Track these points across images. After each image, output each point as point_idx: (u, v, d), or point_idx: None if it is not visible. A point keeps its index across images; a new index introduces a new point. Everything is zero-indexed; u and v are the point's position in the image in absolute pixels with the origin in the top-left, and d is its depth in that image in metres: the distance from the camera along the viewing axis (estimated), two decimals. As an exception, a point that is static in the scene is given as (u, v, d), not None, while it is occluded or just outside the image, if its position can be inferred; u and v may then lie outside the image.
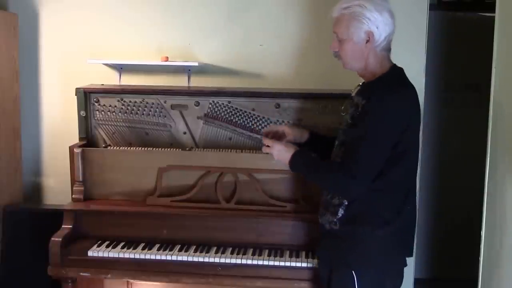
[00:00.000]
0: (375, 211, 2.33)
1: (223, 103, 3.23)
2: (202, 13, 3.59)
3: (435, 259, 4.53)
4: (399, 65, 2.93)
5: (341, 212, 2.36)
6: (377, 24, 2.28)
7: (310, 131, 2.76)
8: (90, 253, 2.90)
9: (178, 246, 2.93)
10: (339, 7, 2.31)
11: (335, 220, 2.38)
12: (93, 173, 3.13)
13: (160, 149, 3.18)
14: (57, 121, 3.74)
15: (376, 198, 2.32)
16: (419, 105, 2.40)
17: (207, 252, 2.89)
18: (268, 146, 2.54)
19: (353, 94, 2.47)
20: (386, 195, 2.33)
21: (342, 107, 2.53)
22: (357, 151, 2.26)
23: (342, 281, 2.39)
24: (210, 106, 3.24)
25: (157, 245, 2.94)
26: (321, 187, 2.53)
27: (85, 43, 3.66)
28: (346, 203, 2.35)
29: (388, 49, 2.38)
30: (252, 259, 2.82)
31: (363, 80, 2.47)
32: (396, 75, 2.37)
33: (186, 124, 3.27)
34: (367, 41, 2.30)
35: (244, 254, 2.87)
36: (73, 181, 3.14)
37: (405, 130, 2.28)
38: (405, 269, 2.52)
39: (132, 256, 2.88)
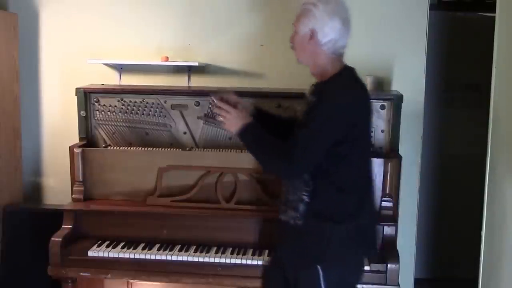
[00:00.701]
0: (336, 207, 2.39)
1: (223, 103, 3.22)
2: (202, 13, 3.58)
3: (435, 259, 4.53)
4: (400, 65, 2.94)
5: (302, 207, 2.39)
6: (322, 25, 2.35)
7: (255, 106, 2.76)
8: (90, 253, 2.90)
9: (178, 246, 2.93)
10: (300, 2, 2.45)
11: (298, 215, 2.40)
12: (93, 173, 3.13)
13: (160, 149, 3.18)
14: (57, 121, 3.74)
15: (334, 195, 2.38)
16: (369, 105, 2.48)
17: (207, 252, 2.89)
18: (223, 112, 2.50)
19: (307, 94, 2.52)
20: (342, 193, 2.38)
21: (299, 107, 2.58)
22: (298, 139, 2.34)
23: (308, 277, 2.40)
24: (210, 106, 3.23)
25: (157, 245, 2.94)
26: (259, 163, 2.55)
27: (85, 43, 3.66)
28: (307, 199, 2.37)
29: (339, 54, 2.42)
30: (252, 259, 2.82)
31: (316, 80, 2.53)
32: (346, 75, 2.43)
33: (186, 124, 3.27)
34: (310, 38, 2.38)
35: (244, 254, 2.87)
36: (73, 181, 3.14)
37: (351, 128, 2.33)
38: (406, 269, 2.52)
39: (132, 256, 2.88)
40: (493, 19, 2.79)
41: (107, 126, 3.31)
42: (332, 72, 2.41)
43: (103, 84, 3.44)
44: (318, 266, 2.36)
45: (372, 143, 2.57)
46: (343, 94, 2.35)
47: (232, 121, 2.47)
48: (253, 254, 2.86)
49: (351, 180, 2.39)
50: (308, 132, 2.32)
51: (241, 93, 3.18)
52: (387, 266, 2.75)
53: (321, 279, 2.35)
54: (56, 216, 3.07)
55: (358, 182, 2.42)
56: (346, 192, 2.38)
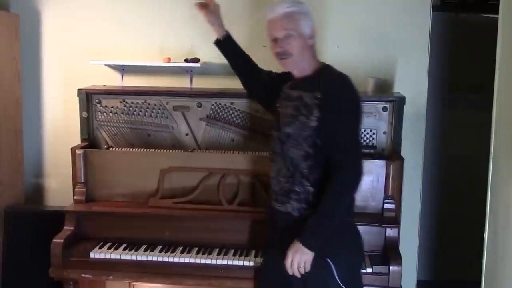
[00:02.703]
0: None
1: (225, 105, 3.22)
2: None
3: (438, 262, 4.52)
4: (402, 67, 2.96)
5: (309, 198, 2.41)
6: (313, 22, 2.45)
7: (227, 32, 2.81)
8: (92, 255, 2.89)
9: (180, 248, 2.93)
10: (283, 7, 2.41)
11: (304, 205, 2.42)
12: (95, 174, 3.13)
13: (162, 150, 3.18)
14: (59, 122, 3.74)
15: None
16: None
17: (209, 254, 2.88)
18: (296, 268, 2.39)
19: (285, 89, 2.53)
20: None
21: (279, 103, 2.57)
22: (346, 148, 2.37)
23: (319, 272, 2.38)
24: (212, 107, 3.23)
25: (159, 247, 2.94)
26: (344, 206, 2.45)
27: (87, 44, 3.65)
28: (313, 190, 2.40)
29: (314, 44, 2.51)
30: (255, 261, 2.81)
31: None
32: (333, 68, 2.49)
33: (188, 125, 3.26)
34: (311, 37, 2.44)
35: (246, 256, 2.86)
36: (75, 182, 3.14)
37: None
38: (408, 271, 2.52)
39: (134, 257, 2.88)
40: (496, 21, 2.78)
41: (109, 127, 3.30)
42: (316, 66, 2.48)
43: (105, 85, 3.44)
44: (329, 260, 2.37)
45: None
46: (352, 85, 2.42)
47: (302, 255, 2.36)
48: (255, 256, 2.85)
49: None
50: (349, 135, 2.38)
51: (244, 95, 3.20)
52: (389, 268, 2.74)
53: (334, 272, 2.37)
54: (57, 217, 3.07)
55: None
56: None
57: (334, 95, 2.36)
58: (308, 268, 2.35)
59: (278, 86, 2.59)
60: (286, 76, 2.57)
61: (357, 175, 2.38)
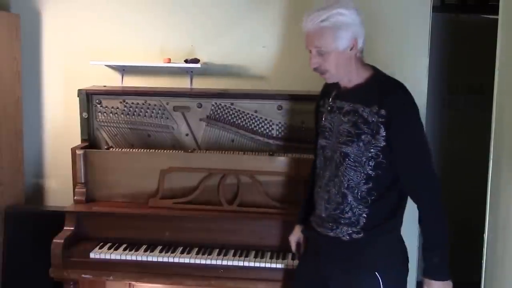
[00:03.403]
0: (394, 215, 2.35)
1: (225, 105, 3.22)
2: (205, 15, 3.58)
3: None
4: (402, 68, 2.92)
5: (362, 220, 2.30)
6: (357, 28, 2.24)
7: (300, 223, 2.66)
8: (92, 255, 2.89)
9: (180, 248, 2.93)
10: (316, 21, 2.21)
11: (355, 229, 2.31)
12: (95, 174, 3.13)
13: (162, 150, 3.18)
14: (59, 122, 3.74)
15: (395, 204, 2.35)
16: None
17: (209, 254, 2.88)
18: None
19: (331, 101, 2.39)
20: (402, 200, 2.37)
21: (324, 116, 2.43)
22: (426, 170, 2.28)
23: (366, 284, 2.33)
24: (212, 108, 3.23)
25: (159, 247, 2.94)
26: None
27: (87, 45, 3.66)
28: (367, 212, 2.29)
29: (363, 51, 2.34)
30: (255, 262, 2.82)
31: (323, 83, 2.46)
32: (383, 74, 2.36)
33: (189, 126, 3.27)
34: (351, 48, 2.25)
35: (246, 256, 2.86)
36: (75, 183, 3.14)
37: None
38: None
39: (134, 258, 2.88)
40: (496, 21, 2.78)
41: (109, 128, 3.30)
42: (367, 75, 2.32)
43: (105, 86, 3.44)
44: (377, 274, 2.30)
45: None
46: (410, 95, 2.27)
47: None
48: (255, 257, 2.86)
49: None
50: (423, 155, 2.27)
51: (244, 95, 3.21)
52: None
53: (381, 286, 2.30)
54: (58, 217, 3.07)
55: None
56: (403, 198, 2.36)
57: (400, 111, 2.21)
58: None
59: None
60: (328, 86, 2.45)
61: (440, 191, 2.32)
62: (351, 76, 2.31)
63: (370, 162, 2.24)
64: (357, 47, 2.26)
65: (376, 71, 2.36)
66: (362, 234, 2.31)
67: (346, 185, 2.29)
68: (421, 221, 2.32)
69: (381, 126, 2.20)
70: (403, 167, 2.26)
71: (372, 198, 2.28)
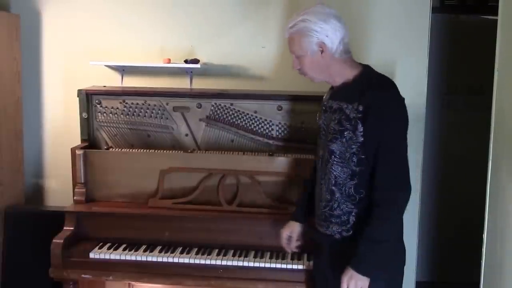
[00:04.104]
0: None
1: (225, 105, 3.23)
2: (205, 15, 3.59)
3: (437, 263, 4.53)
4: (402, 68, 2.91)
5: (352, 219, 2.34)
6: (325, 33, 2.28)
7: (293, 219, 2.69)
8: (91, 255, 2.90)
9: (180, 248, 2.93)
10: (287, 28, 2.35)
11: (344, 228, 2.35)
12: (95, 174, 3.13)
13: (162, 151, 3.18)
14: (59, 122, 3.74)
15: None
16: None
17: (209, 254, 2.89)
18: None
19: (325, 101, 2.47)
20: None
21: (317, 115, 2.54)
22: (395, 164, 2.27)
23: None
24: (212, 108, 3.24)
25: (159, 247, 2.94)
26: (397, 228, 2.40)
27: (87, 45, 3.66)
28: (356, 210, 2.32)
29: (348, 52, 2.36)
30: (254, 262, 2.82)
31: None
32: (373, 72, 2.38)
33: (188, 126, 3.27)
34: (322, 52, 2.31)
35: (246, 256, 2.87)
36: (74, 183, 3.14)
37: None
38: (407, 272, 2.53)
39: (133, 258, 2.88)
40: (495, 22, 2.79)
41: (109, 128, 3.31)
42: (354, 73, 2.35)
43: (105, 86, 3.44)
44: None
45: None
46: (396, 94, 2.30)
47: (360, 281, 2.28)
48: (254, 257, 2.86)
49: None
50: (396, 150, 2.26)
51: (243, 96, 3.21)
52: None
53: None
54: (57, 217, 3.08)
55: None
56: None
57: (375, 106, 2.23)
58: None
59: None
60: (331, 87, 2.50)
61: (409, 194, 2.28)
62: (334, 77, 2.37)
63: (353, 158, 2.29)
64: (328, 50, 2.30)
65: (366, 69, 2.39)
66: (351, 233, 2.34)
67: (333, 181, 2.35)
68: (370, 215, 2.28)
69: (359, 121, 2.25)
70: (375, 164, 2.27)
71: (361, 196, 2.32)
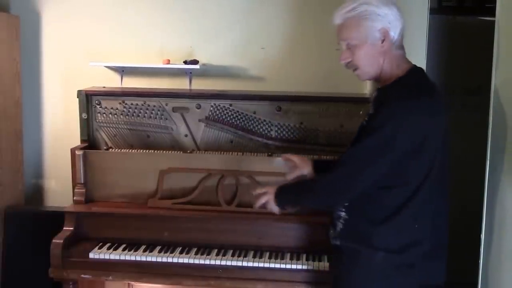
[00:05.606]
0: (377, 230, 2.15)
1: (224, 106, 3.24)
2: (204, 16, 3.60)
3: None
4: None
5: (339, 226, 2.21)
6: (389, 19, 2.03)
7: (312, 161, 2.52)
8: (91, 255, 2.90)
9: (179, 248, 2.94)
10: (342, 12, 2.07)
11: (334, 234, 2.25)
12: (94, 175, 3.14)
13: (161, 151, 3.19)
14: (59, 123, 3.75)
15: (377, 214, 2.15)
16: (441, 116, 2.21)
17: (208, 254, 2.89)
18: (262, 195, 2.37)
19: (371, 100, 2.25)
20: (384, 213, 2.16)
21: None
22: (350, 154, 2.14)
23: None
24: (211, 108, 3.25)
25: (158, 247, 2.95)
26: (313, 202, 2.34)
27: (87, 46, 3.67)
28: (344, 215, 2.19)
29: (402, 47, 2.13)
30: (253, 262, 2.83)
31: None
32: (415, 79, 2.12)
33: (188, 127, 3.28)
34: (383, 40, 2.05)
35: (245, 256, 2.87)
36: (74, 183, 3.15)
37: (419, 147, 2.05)
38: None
39: (133, 258, 2.89)
40: (493, 23, 2.80)
41: (108, 129, 3.32)
42: (397, 74, 2.11)
43: (104, 87, 3.45)
44: None
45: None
46: (404, 108, 2.02)
47: (270, 201, 2.32)
48: (254, 257, 2.87)
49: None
50: (359, 148, 2.09)
51: (243, 96, 3.22)
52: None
53: None
54: (57, 218, 3.08)
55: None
56: (394, 215, 2.14)
57: (375, 117, 2.06)
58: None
59: None
60: None
61: (332, 201, 2.18)
62: (384, 74, 2.12)
63: None
64: (389, 39, 2.05)
65: (412, 72, 2.14)
66: (338, 242, 2.23)
67: None
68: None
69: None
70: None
71: (351, 201, 2.17)
